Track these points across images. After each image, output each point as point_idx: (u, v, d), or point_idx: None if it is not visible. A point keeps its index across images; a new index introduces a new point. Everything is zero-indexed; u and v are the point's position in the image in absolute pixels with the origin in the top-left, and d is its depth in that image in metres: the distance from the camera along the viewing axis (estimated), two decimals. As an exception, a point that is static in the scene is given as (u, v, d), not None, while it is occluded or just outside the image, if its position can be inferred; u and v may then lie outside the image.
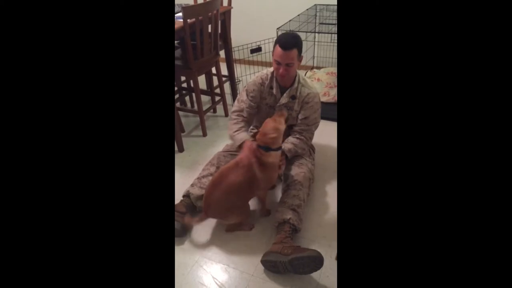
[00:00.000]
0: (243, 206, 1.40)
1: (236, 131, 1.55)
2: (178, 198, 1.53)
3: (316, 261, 1.15)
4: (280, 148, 1.40)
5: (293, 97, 1.53)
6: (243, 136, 1.51)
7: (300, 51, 1.42)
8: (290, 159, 1.55)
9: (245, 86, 1.64)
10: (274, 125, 1.35)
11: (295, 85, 1.52)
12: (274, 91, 1.55)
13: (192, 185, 1.54)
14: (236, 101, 1.66)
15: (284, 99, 1.53)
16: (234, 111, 1.62)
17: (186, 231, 1.44)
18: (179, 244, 1.41)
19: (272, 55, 1.45)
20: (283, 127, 1.37)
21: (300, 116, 1.54)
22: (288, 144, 1.51)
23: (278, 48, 1.39)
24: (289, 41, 1.38)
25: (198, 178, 1.55)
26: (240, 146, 1.49)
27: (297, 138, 1.53)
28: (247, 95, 1.59)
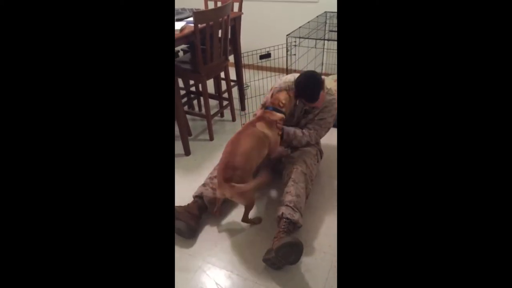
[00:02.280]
0: (254, 169, 1.44)
1: None
2: (181, 201, 1.53)
3: (294, 246, 1.21)
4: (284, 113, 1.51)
5: None
6: None
7: (323, 87, 1.52)
8: (286, 158, 1.60)
9: (271, 90, 1.68)
10: (286, 95, 1.52)
11: None
12: (297, 101, 1.62)
13: (204, 185, 1.55)
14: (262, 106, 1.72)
15: (305, 105, 1.61)
16: None
17: (193, 232, 1.44)
18: (183, 249, 1.41)
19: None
20: (292, 101, 1.55)
21: (317, 117, 1.61)
22: (291, 128, 1.56)
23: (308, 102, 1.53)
24: (314, 94, 1.48)
25: (210, 178, 1.57)
26: None
27: (302, 131, 1.58)
28: None
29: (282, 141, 1.56)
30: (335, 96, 1.60)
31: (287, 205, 1.37)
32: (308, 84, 1.46)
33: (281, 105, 1.50)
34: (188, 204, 1.49)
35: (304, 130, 1.61)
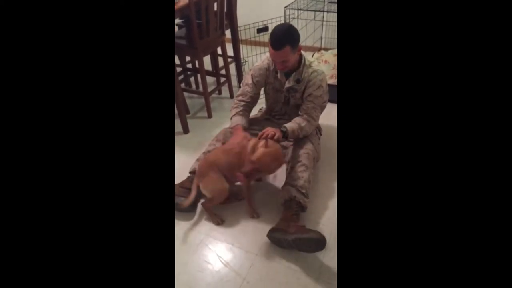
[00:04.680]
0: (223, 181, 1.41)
1: (233, 115, 1.58)
2: (181, 179, 1.54)
3: (318, 243, 1.18)
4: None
5: (298, 81, 1.51)
6: (236, 119, 1.54)
7: (294, 44, 1.36)
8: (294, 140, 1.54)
9: (250, 69, 1.63)
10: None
11: (300, 68, 1.49)
12: (279, 75, 1.54)
13: (197, 160, 1.59)
14: (242, 84, 1.65)
15: (289, 83, 1.52)
16: (237, 95, 1.63)
17: (192, 206, 1.47)
18: (185, 223, 1.43)
19: None
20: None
21: (304, 95, 1.52)
22: (294, 124, 1.47)
23: (270, 48, 1.36)
24: (279, 40, 1.33)
25: (204, 153, 1.60)
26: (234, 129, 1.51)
27: (304, 119, 1.49)
28: (252, 78, 1.59)
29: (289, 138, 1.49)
30: (316, 69, 1.50)
31: (299, 190, 1.35)
32: (277, 29, 1.37)
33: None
34: (182, 181, 1.53)
35: (299, 119, 1.50)
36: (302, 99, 1.53)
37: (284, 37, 1.33)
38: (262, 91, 1.67)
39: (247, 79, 1.61)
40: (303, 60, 1.49)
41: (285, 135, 1.43)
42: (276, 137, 1.38)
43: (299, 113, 1.53)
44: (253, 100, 1.61)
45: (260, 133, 1.41)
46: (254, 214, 1.45)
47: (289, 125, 1.46)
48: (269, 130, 1.39)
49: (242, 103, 1.58)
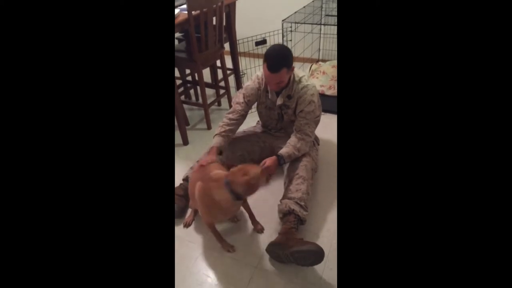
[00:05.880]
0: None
1: (216, 134, 1.55)
2: (182, 190, 1.55)
3: (317, 255, 1.16)
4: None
5: (289, 97, 1.51)
6: (215, 140, 1.51)
7: (289, 65, 1.38)
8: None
9: (242, 89, 1.64)
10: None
11: (290, 84, 1.49)
12: (270, 95, 1.55)
13: (191, 168, 1.62)
14: (232, 102, 1.65)
15: (280, 100, 1.53)
16: (227, 113, 1.62)
17: (182, 211, 1.54)
18: (184, 236, 1.43)
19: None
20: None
21: (296, 111, 1.53)
22: (289, 148, 1.47)
23: (266, 69, 1.36)
24: (276, 63, 1.34)
25: (197, 162, 1.61)
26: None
27: (299, 138, 1.49)
28: (243, 98, 1.59)
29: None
30: (306, 84, 1.48)
31: (297, 203, 1.35)
32: (273, 52, 1.37)
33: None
34: (175, 187, 1.57)
35: (294, 139, 1.49)
36: (295, 115, 1.54)
37: (281, 60, 1.34)
38: (254, 107, 1.67)
39: (239, 97, 1.61)
40: (292, 76, 1.49)
41: (280, 162, 1.44)
42: (269, 171, 1.38)
43: (294, 129, 1.53)
44: (243, 117, 1.61)
45: (261, 163, 1.40)
46: (230, 249, 1.36)
47: (285, 151, 1.46)
48: (267, 163, 1.39)
49: (231, 122, 1.56)
